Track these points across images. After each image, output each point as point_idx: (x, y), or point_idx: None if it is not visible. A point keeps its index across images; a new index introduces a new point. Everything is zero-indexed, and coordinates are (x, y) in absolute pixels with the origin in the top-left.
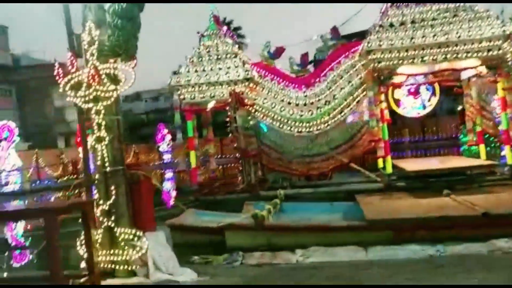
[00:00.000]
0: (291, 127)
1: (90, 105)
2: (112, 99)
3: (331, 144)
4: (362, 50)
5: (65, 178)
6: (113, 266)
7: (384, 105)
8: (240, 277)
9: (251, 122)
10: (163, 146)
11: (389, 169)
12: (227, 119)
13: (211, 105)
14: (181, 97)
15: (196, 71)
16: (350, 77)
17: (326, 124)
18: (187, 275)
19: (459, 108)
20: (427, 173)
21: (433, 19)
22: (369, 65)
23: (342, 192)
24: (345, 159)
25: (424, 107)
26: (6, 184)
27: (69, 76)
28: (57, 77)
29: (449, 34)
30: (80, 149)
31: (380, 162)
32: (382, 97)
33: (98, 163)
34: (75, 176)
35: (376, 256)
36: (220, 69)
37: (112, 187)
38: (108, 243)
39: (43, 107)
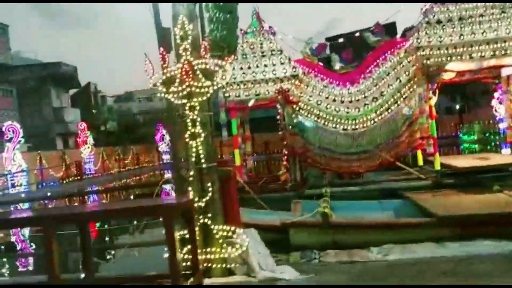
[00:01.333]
0: (336, 125)
1: (184, 101)
2: (208, 95)
3: (375, 141)
4: (410, 47)
5: (70, 179)
6: (209, 265)
7: (433, 101)
8: (344, 274)
9: (295, 120)
10: (163, 147)
11: (437, 166)
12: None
13: (251, 103)
14: (226, 94)
15: (241, 68)
16: (398, 74)
17: (372, 122)
18: (290, 273)
19: (458, 107)
20: (476, 170)
21: (481, 15)
22: (417, 61)
23: (388, 190)
24: (390, 157)
25: None
26: (13, 185)
27: (160, 72)
28: (146, 72)
29: (498, 30)
30: (83, 150)
31: (420, 160)
32: (431, 93)
33: (193, 159)
34: (79, 177)
35: (459, 251)
36: (266, 66)
37: (209, 184)
38: (203, 241)
39: (41, 107)
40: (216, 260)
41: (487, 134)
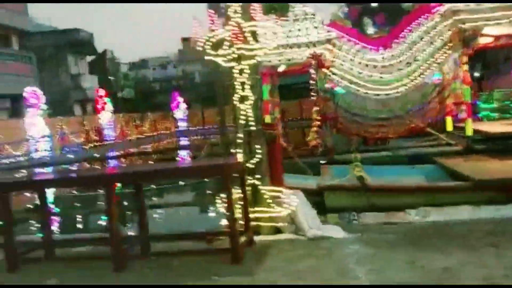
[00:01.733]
0: (368, 90)
1: (233, 64)
2: (258, 57)
3: (406, 107)
4: (446, 11)
5: (91, 145)
6: (257, 223)
7: (466, 67)
8: (389, 233)
9: (327, 85)
10: (178, 114)
11: (469, 132)
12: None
13: (281, 68)
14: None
15: (274, 33)
16: (432, 38)
17: (405, 87)
18: (337, 231)
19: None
20: (508, 135)
21: None
22: (453, 26)
23: (417, 155)
24: (421, 122)
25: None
26: (36, 151)
27: (210, 35)
28: (195, 36)
29: None
30: (101, 116)
31: (449, 126)
32: (466, 59)
33: (242, 122)
34: (99, 143)
35: (495, 214)
36: (299, 30)
37: (257, 146)
38: (252, 201)
39: (58, 74)
40: (264, 219)
41: (507, 102)
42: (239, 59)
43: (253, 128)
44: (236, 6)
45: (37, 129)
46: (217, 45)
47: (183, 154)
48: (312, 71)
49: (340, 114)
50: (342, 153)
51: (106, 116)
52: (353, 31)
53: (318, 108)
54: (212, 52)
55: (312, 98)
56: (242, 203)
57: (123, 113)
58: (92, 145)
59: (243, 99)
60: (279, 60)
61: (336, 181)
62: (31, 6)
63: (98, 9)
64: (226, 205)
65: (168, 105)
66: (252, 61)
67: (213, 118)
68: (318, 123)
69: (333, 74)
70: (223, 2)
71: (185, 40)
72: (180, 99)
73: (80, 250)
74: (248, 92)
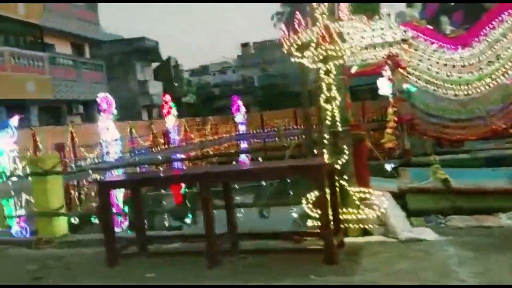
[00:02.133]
0: (447, 90)
1: (320, 65)
2: (345, 58)
3: (487, 107)
4: None
5: (159, 148)
6: (345, 225)
7: None
8: (485, 236)
9: (404, 86)
10: (239, 117)
11: None
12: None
13: (354, 69)
14: None
15: (347, 33)
16: None
17: (486, 87)
18: (429, 234)
19: None
20: None
21: None
22: None
23: (498, 158)
24: (503, 123)
25: None
26: (107, 153)
27: (296, 36)
28: (282, 38)
29: None
30: (167, 120)
31: None
32: None
33: (328, 123)
34: (166, 146)
35: None
36: (373, 30)
37: (344, 147)
38: (340, 202)
39: (127, 81)
40: (352, 221)
41: None
42: (326, 59)
43: (340, 128)
44: (323, 7)
45: (109, 133)
46: (303, 46)
47: (243, 157)
48: (387, 72)
49: (417, 115)
50: (417, 155)
51: (171, 120)
52: (429, 30)
53: (395, 109)
54: (298, 54)
55: (374, 100)
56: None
57: (186, 117)
58: (159, 148)
59: (329, 99)
60: (352, 61)
61: (419, 183)
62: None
63: (159, 17)
64: (311, 205)
65: (227, 109)
66: (339, 62)
67: (272, 121)
68: (394, 124)
69: (410, 74)
70: (305, 2)
71: (244, 45)
72: (240, 103)
73: (169, 247)
74: (335, 93)
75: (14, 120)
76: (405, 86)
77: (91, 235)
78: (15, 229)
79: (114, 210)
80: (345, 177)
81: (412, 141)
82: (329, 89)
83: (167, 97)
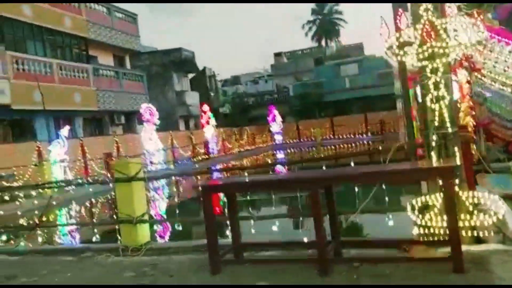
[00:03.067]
0: None
1: (425, 63)
2: (454, 55)
3: None
4: None
5: (200, 158)
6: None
7: None
8: None
9: (478, 89)
10: (275, 127)
11: None
12: None
13: None
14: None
15: (454, 30)
16: None
17: None
18: None
19: None
20: None
21: None
22: None
23: None
24: None
25: None
26: (151, 163)
27: (397, 34)
28: (382, 36)
29: None
30: (206, 130)
31: None
32: None
33: (435, 123)
34: (207, 156)
35: None
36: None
37: (455, 149)
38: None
39: (165, 91)
40: (465, 228)
41: None
42: (432, 57)
43: (449, 130)
44: (427, 4)
45: (152, 143)
46: (405, 45)
47: (279, 167)
48: (463, 74)
49: (493, 119)
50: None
51: (210, 131)
52: (504, 31)
53: (473, 113)
54: (400, 52)
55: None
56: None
57: (222, 127)
58: (200, 158)
59: (437, 99)
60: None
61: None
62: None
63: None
64: (417, 212)
65: (262, 119)
66: (446, 59)
67: (308, 130)
68: (473, 129)
69: (484, 76)
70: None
71: (277, 55)
72: (276, 113)
73: (265, 254)
74: (443, 92)
75: (65, 131)
76: (479, 89)
77: (177, 242)
78: (67, 238)
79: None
80: (457, 181)
81: (487, 147)
82: (436, 88)
83: (205, 107)
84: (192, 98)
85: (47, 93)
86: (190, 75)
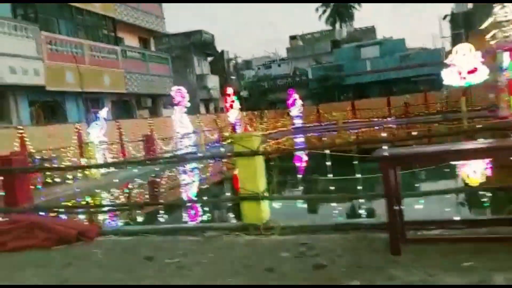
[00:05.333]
0: None
1: None
2: None
3: None
4: None
5: (229, 141)
6: None
7: None
8: None
9: None
10: (294, 111)
11: None
12: None
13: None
14: (505, 34)
15: None
16: None
17: None
18: None
19: None
20: None
21: None
22: None
23: None
24: None
25: None
26: (182, 146)
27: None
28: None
29: None
30: (230, 113)
31: None
32: None
33: None
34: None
35: None
36: None
37: None
38: None
39: (186, 75)
40: None
41: None
42: None
43: None
44: None
45: (183, 126)
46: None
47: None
48: None
49: None
50: None
51: (234, 114)
52: None
53: None
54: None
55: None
56: None
57: (244, 111)
58: (230, 141)
59: None
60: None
61: None
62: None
63: (199, 13)
64: None
65: (279, 102)
66: None
67: (330, 114)
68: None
69: None
70: None
71: (293, 38)
72: (296, 96)
73: (429, 233)
74: None
75: (103, 112)
76: None
77: (305, 221)
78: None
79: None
80: None
81: None
82: None
83: (229, 90)
84: (212, 81)
85: (77, 75)
86: (210, 59)
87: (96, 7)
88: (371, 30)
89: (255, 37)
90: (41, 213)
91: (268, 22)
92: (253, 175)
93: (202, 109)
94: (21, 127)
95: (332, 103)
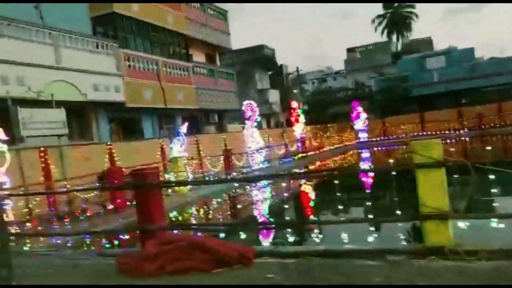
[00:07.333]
0: None
1: None
2: None
3: None
4: None
5: (300, 155)
6: None
7: None
8: None
9: None
10: (358, 124)
11: None
12: None
13: None
14: None
15: None
16: None
17: None
18: None
19: None
20: None
21: None
22: None
23: None
24: None
25: None
26: (253, 161)
27: None
28: None
29: None
30: (296, 127)
31: None
32: None
33: None
34: (304, 153)
35: None
36: None
37: None
38: None
39: (248, 90)
40: None
41: None
42: None
43: None
44: None
45: (254, 140)
46: None
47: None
48: None
49: None
50: None
51: (300, 128)
52: None
53: None
54: None
55: None
56: None
57: (307, 125)
58: (300, 156)
59: None
60: None
61: None
62: None
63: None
64: None
65: (341, 116)
66: None
67: (397, 127)
68: None
69: None
70: None
71: (350, 50)
72: (360, 109)
73: None
74: None
75: (184, 128)
76: None
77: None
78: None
79: None
80: None
81: None
82: None
83: (295, 104)
84: (273, 96)
85: (153, 91)
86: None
87: (169, 24)
88: (427, 41)
89: (299, 52)
90: (174, 231)
91: (316, 39)
92: (438, 190)
93: (264, 124)
94: (110, 143)
95: (398, 115)
